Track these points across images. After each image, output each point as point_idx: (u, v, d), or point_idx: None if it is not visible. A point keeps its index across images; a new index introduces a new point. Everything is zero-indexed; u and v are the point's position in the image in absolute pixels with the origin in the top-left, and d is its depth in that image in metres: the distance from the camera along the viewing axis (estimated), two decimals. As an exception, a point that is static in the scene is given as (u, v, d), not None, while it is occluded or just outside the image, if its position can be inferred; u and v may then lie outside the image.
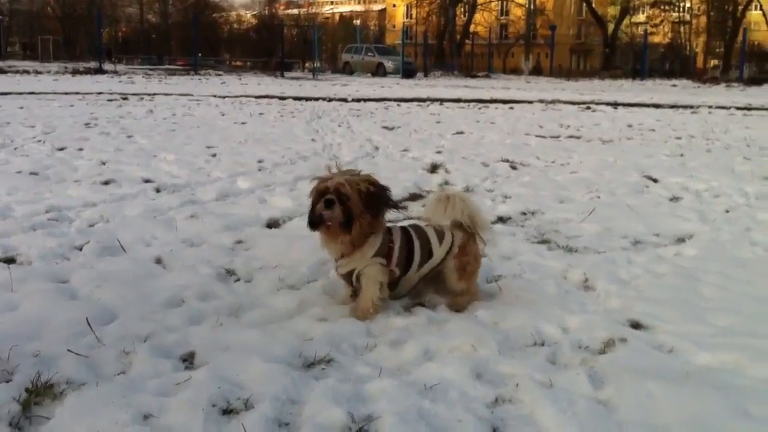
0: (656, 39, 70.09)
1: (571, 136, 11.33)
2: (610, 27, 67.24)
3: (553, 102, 20.03)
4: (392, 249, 3.34)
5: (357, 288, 3.38)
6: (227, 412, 2.38)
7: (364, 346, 2.99)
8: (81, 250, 4.30)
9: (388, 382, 2.60)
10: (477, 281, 3.60)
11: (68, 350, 2.77)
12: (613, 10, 70.66)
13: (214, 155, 8.30)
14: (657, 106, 19.23)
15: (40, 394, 2.46)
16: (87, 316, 3.08)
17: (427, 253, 3.43)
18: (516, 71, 60.19)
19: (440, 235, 3.48)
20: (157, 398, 2.45)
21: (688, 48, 69.96)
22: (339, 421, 2.33)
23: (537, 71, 58.12)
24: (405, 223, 3.63)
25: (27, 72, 33.94)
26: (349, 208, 3.14)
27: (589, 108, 17.86)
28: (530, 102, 19.95)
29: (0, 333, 2.92)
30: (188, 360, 2.82)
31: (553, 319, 3.26)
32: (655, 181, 7.09)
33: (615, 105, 19.06)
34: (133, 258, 4.18)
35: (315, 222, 3.23)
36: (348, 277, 3.36)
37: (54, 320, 3.10)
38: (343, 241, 3.24)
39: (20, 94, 18.55)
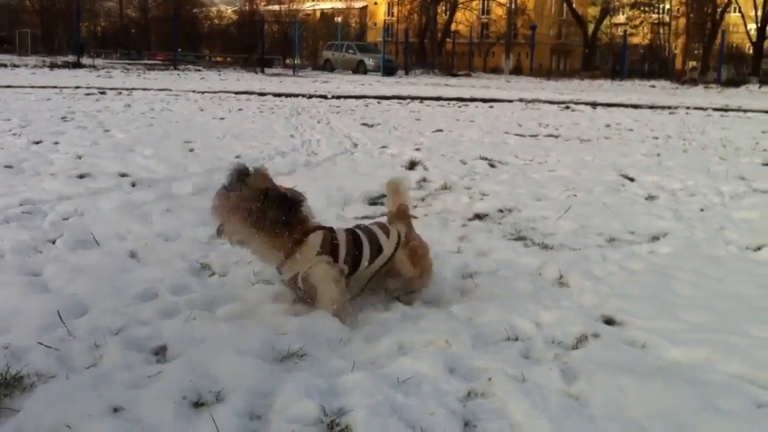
0: (636, 40, 70.70)
1: (549, 135, 11.38)
2: (591, 27, 67.73)
3: (532, 101, 20.10)
4: (337, 246, 3.24)
5: (302, 293, 3.26)
6: (198, 404, 2.36)
7: (338, 340, 2.97)
8: (54, 243, 4.25)
9: (361, 375, 2.59)
10: (430, 259, 3.62)
11: (38, 343, 2.74)
12: (593, 11, 71.22)
13: (191, 150, 8.25)
14: (635, 106, 19.36)
15: (9, 386, 2.43)
16: (58, 309, 3.05)
17: (377, 249, 3.37)
18: (497, 70, 60.44)
19: (385, 230, 3.46)
20: (128, 391, 2.43)
21: (667, 49, 70.65)
22: (311, 413, 2.33)
23: (517, 71, 58.47)
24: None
25: (4, 65, 33.57)
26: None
27: (568, 107, 17.95)
28: (510, 101, 20.01)
29: (-31, 325, 2.88)
30: (160, 353, 2.79)
31: (527, 315, 3.27)
32: (631, 180, 7.13)
33: (594, 105, 19.16)
34: (107, 252, 4.15)
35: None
36: (293, 282, 3.24)
37: (25, 313, 3.06)
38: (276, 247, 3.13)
39: (-4, 87, 18.35)
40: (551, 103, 19.59)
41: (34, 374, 2.53)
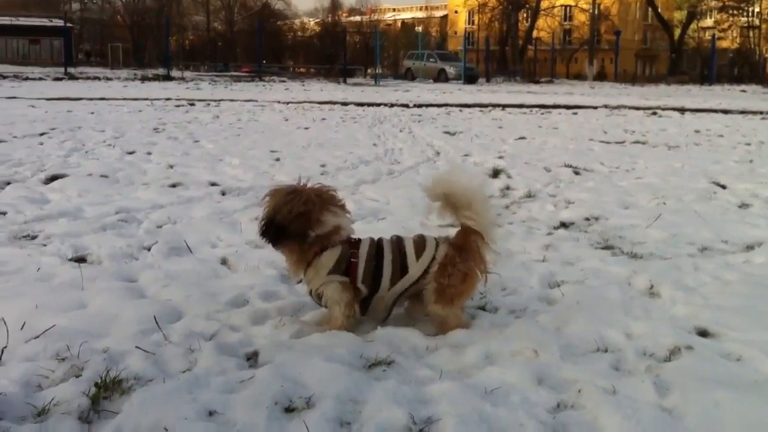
0: (724, 44, 68.46)
1: (636, 142, 11.15)
2: (677, 32, 65.99)
3: (618, 107, 19.74)
4: (355, 264, 3.07)
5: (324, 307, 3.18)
6: (289, 410, 2.41)
7: (425, 348, 2.98)
8: (149, 250, 4.40)
9: (448, 384, 2.59)
10: (460, 309, 3.20)
11: (136, 347, 2.84)
12: (679, 15, 69.43)
13: (277, 159, 8.41)
14: (725, 111, 18.79)
15: (108, 389, 2.52)
16: (154, 314, 3.15)
17: (400, 269, 3.10)
18: (580, 77, 59.46)
19: (419, 249, 3.13)
20: (222, 395, 2.49)
21: (757, 53, 68.17)
22: (400, 421, 2.34)
23: (601, 77, 57.38)
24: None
25: (98, 78, 34.95)
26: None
27: (655, 113, 17.55)
28: (594, 107, 19.69)
29: (70, 330, 3.00)
30: (252, 358, 2.86)
31: (617, 325, 3.21)
32: (723, 187, 6.93)
33: (682, 110, 18.68)
34: (200, 258, 4.27)
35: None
36: (310, 295, 3.18)
37: (122, 318, 3.18)
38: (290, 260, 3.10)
39: (91, 99, 19.09)
40: (637, 108, 19.18)
41: (132, 377, 2.62)
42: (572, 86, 41.62)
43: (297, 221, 3.00)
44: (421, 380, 2.67)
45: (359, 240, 3.17)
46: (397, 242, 3.18)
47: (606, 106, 20.05)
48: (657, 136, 12.12)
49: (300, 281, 3.20)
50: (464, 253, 3.12)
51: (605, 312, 3.39)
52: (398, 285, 3.12)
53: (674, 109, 19.12)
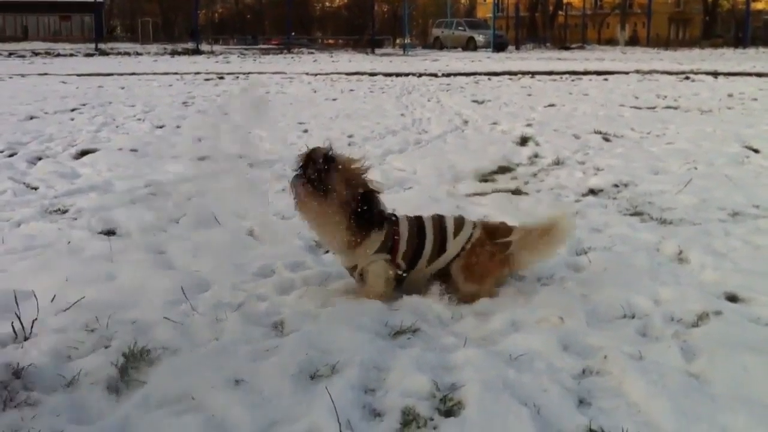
0: (759, 6, 66.78)
1: (668, 107, 10.98)
2: (711, -7, 64.56)
3: (649, 72, 19.43)
4: (397, 242, 3.12)
5: (360, 282, 3.21)
6: (315, 377, 2.43)
7: (450, 316, 2.99)
8: (178, 222, 4.45)
9: (473, 351, 2.59)
10: (492, 284, 3.22)
11: (164, 318, 2.88)
12: (714, -24, 67.81)
13: (305, 131, 8.42)
14: (760, 75, 18.39)
15: (136, 359, 2.56)
16: (182, 286, 3.19)
17: (439, 247, 3.17)
18: (611, 42, 58.50)
19: (458, 228, 3.20)
20: (249, 363, 2.52)
21: (794, 14, 66.48)
22: (424, 388, 2.35)
23: (633, 41, 56.41)
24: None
25: (128, 54, 35.18)
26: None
27: (687, 78, 17.24)
28: (626, 73, 19.40)
29: (99, 301, 3.04)
30: (278, 327, 2.88)
31: (644, 292, 3.18)
32: (756, 151, 6.80)
33: (715, 74, 18.33)
34: (227, 230, 4.30)
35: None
36: (352, 270, 3.20)
37: (151, 289, 3.21)
38: (342, 235, 3.05)
39: (121, 74, 19.21)
40: (669, 73, 18.86)
41: (160, 347, 2.65)
42: (603, 52, 41.03)
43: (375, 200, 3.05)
44: (445, 347, 2.68)
45: (397, 217, 3.21)
46: (439, 221, 3.23)
47: (638, 72, 19.74)
48: (689, 100, 11.92)
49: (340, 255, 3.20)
50: (493, 236, 3.20)
51: (633, 278, 3.36)
52: (435, 263, 3.18)
53: (707, 73, 18.77)
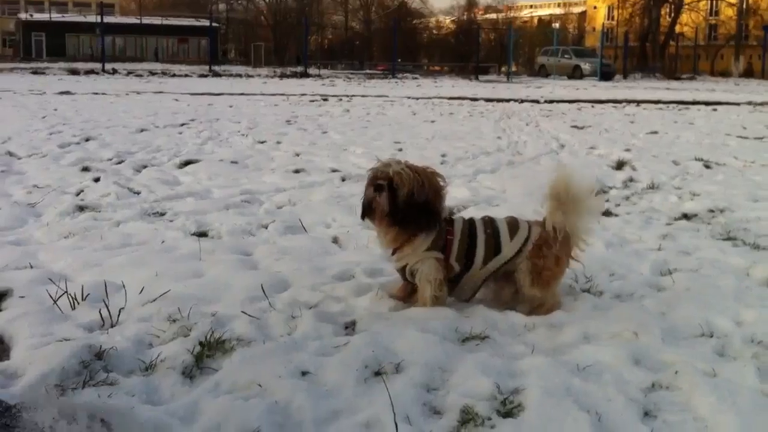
0: None
1: (778, 138, 10.56)
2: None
3: (762, 104, 18.70)
4: (451, 242, 3.07)
5: (413, 284, 3.14)
6: (378, 373, 2.48)
7: (522, 326, 2.98)
8: (266, 228, 4.60)
9: (540, 359, 2.58)
10: (557, 290, 3.21)
11: (242, 312, 2.99)
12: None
13: (400, 149, 8.53)
14: None
15: (212, 348, 2.67)
16: (262, 284, 3.30)
17: (494, 248, 3.10)
18: (725, 74, 56.55)
19: (513, 229, 3.13)
20: (316, 357, 2.59)
21: None
22: (485, 390, 2.36)
23: (748, 74, 54.34)
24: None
25: (239, 75, 36.35)
26: (398, 198, 2.93)
27: (803, 110, 16.53)
28: (737, 104, 18.75)
29: (184, 295, 3.18)
30: (349, 327, 2.95)
31: (727, 313, 3.09)
32: None
33: (835, 107, 17.49)
34: (313, 237, 4.42)
35: (364, 209, 3.06)
36: (402, 272, 3.14)
37: (233, 286, 3.34)
38: (390, 233, 3.04)
39: (231, 94, 19.89)
40: (785, 105, 18.11)
41: (235, 339, 2.76)
42: (716, 83, 39.72)
43: (438, 199, 3.05)
44: (513, 355, 2.68)
45: (452, 219, 3.19)
46: (490, 222, 3.19)
47: (750, 103, 19.05)
48: (802, 132, 11.42)
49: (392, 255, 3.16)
50: (554, 237, 3.13)
51: (716, 299, 3.28)
52: (491, 263, 3.13)
53: (826, 105, 17.94)
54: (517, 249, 3.12)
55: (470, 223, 3.18)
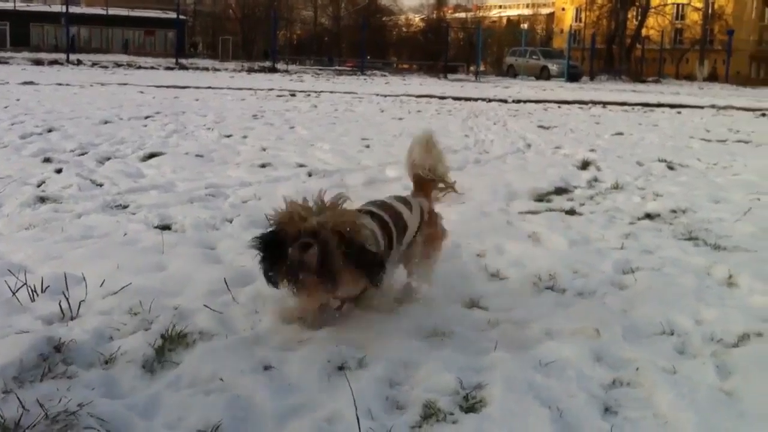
0: None
1: (739, 141, 10.73)
2: (797, 32, 62.80)
3: (725, 107, 18.99)
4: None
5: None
6: (341, 368, 2.47)
7: (486, 322, 2.99)
8: (231, 222, 4.55)
9: (503, 355, 2.60)
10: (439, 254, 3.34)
11: (204, 305, 2.96)
12: (800, 15, 66.03)
13: (367, 146, 8.51)
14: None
15: (173, 342, 2.65)
16: (225, 278, 3.27)
17: (403, 228, 3.03)
18: (690, 78, 57.32)
19: (407, 205, 3.12)
20: (280, 352, 2.58)
21: None
22: (449, 385, 2.37)
23: (713, 78, 55.17)
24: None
25: (206, 69, 36.06)
26: (329, 255, 2.50)
27: (764, 115, 16.81)
28: (700, 107, 19.02)
29: (146, 288, 3.14)
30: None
31: (687, 311, 3.13)
32: (827, 187, 6.58)
33: (795, 112, 17.81)
34: (278, 231, 4.38)
35: (287, 273, 2.57)
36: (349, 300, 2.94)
37: (196, 280, 3.31)
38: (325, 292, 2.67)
39: (198, 88, 19.71)
40: (746, 110, 18.40)
41: (197, 332, 2.74)
42: (680, 86, 40.23)
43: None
44: (477, 351, 2.69)
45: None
46: (386, 207, 3.07)
47: (713, 106, 19.33)
48: (763, 136, 11.60)
49: None
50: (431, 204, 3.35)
51: (677, 298, 3.32)
52: (403, 242, 3.08)
53: (787, 110, 18.26)
54: (417, 223, 3.17)
55: (377, 217, 2.95)
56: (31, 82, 18.41)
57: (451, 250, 4.04)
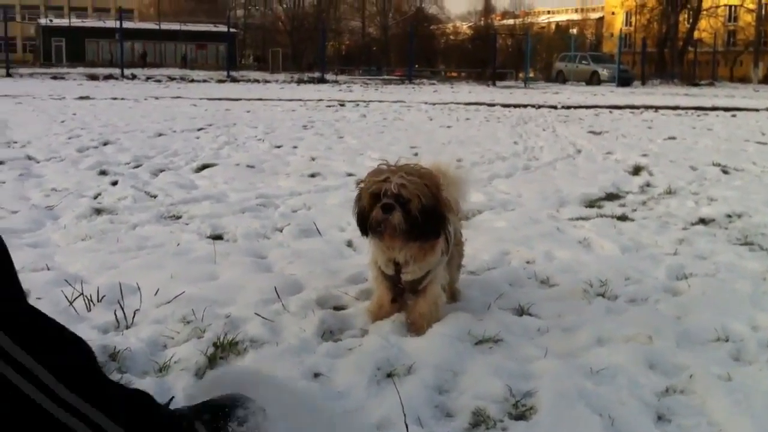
0: None
1: (797, 143, 10.48)
2: None
3: (783, 110, 18.56)
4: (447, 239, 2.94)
5: (408, 295, 3.00)
6: (390, 375, 2.48)
7: (536, 329, 2.97)
8: (281, 231, 4.60)
9: (553, 362, 2.58)
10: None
11: (255, 314, 3.00)
12: None
13: (415, 154, 8.53)
14: None
15: (225, 349, 2.69)
16: (276, 286, 3.30)
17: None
18: (744, 80, 56.13)
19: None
20: (329, 359, 2.60)
21: None
22: (497, 392, 2.36)
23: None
24: None
25: (257, 81, 36.51)
26: (411, 213, 2.65)
27: (823, 116, 16.39)
28: (756, 110, 18.62)
29: (198, 297, 3.19)
30: (363, 329, 2.94)
31: (742, 317, 3.06)
32: None
33: None
34: (327, 240, 4.42)
35: (373, 228, 2.78)
36: (415, 283, 2.94)
37: (247, 289, 3.35)
38: (410, 249, 2.81)
39: (249, 100, 19.98)
40: (805, 111, 17.96)
41: (248, 340, 2.77)
42: (734, 89, 39.43)
43: (443, 199, 2.83)
44: (526, 358, 2.67)
45: None
46: None
47: (770, 109, 18.92)
48: (822, 138, 11.32)
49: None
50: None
51: (732, 304, 3.25)
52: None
53: None
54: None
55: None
56: (87, 97, 18.88)
57: (500, 257, 4.05)
